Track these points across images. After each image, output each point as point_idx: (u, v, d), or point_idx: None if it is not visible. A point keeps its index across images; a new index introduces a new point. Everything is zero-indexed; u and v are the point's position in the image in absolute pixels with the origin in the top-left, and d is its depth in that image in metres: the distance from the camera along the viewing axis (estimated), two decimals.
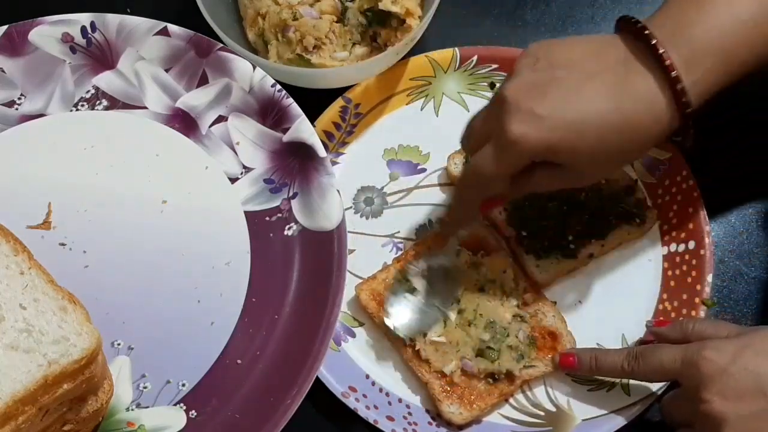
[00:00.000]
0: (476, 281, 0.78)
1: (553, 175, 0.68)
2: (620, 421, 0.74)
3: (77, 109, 0.83)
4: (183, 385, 0.74)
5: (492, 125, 0.67)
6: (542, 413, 0.76)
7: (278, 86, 0.82)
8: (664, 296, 0.79)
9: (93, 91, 0.84)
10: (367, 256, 0.81)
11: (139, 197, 0.80)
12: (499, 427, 0.75)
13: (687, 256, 0.80)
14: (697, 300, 0.78)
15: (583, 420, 0.75)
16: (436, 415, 0.75)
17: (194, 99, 0.83)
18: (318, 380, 0.74)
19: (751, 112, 0.87)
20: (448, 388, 0.75)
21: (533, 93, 0.65)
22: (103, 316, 0.73)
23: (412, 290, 0.77)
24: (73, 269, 0.76)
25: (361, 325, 0.80)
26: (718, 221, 0.83)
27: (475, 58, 0.87)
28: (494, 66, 0.87)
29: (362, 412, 0.74)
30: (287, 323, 0.75)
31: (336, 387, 0.75)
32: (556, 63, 0.67)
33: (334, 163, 0.84)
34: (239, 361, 0.74)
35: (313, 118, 0.83)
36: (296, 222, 0.79)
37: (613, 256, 0.81)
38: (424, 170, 0.85)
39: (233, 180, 0.81)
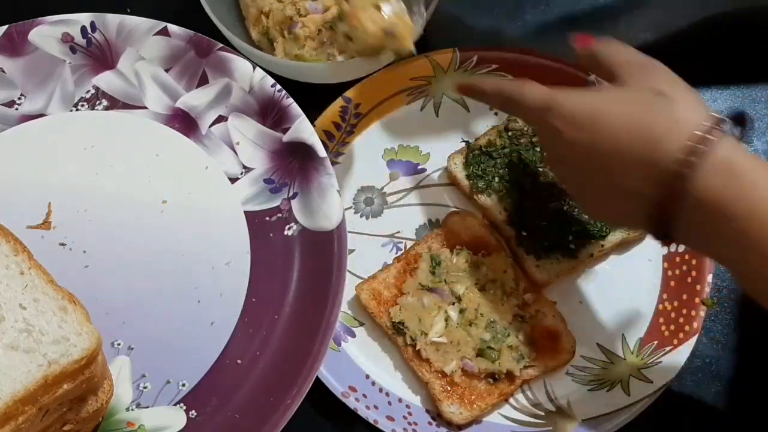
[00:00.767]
0: (477, 281, 0.78)
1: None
2: (620, 421, 0.74)
3: (77, 109, 0.83)
4: (183, 385, 0.74)
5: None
6: (542, 413, 0.76)
7: (278, 86, 0.82)
8: (664, 296, 0.79)
9: (93, 91, 0.84)
10: (367, 256, 0.81)
11: (139, 197, 0.80)
12: (499, 427, 0.75)
13: (687, 256, 0.80)
14: (697, 300, 0.78)
15: (583, 420, 0.75)
16: (437, 415, 0.75)
17: (194, 99, 0.83)
18: (318, 380, 0.74)
19: (751, 112, 0.87)
20: (449, 388, 0.75)
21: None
22: (103, 316, 0.73)
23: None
24: (73, 269, 0.76)
25: (361, 325, 0.80)
26: None
27: (474, 58, 0.87)
28: (494, 66, 0.87)
29: (362, 412, 0.74)
30: (287, 323, 0.75)
31: (336, 387, 0.75)
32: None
33: (334, 163, 0.84)
34: (239, 361, 0.74)
35: (313, 118, 0.83)
36: (296, 222, 0.79)
37: (613, 256, 0.81)
38: (424, 170, 0.85)
39: (233, 180, 0.81)
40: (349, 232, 0.78)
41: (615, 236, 0.80)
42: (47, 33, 0.84)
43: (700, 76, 0.90)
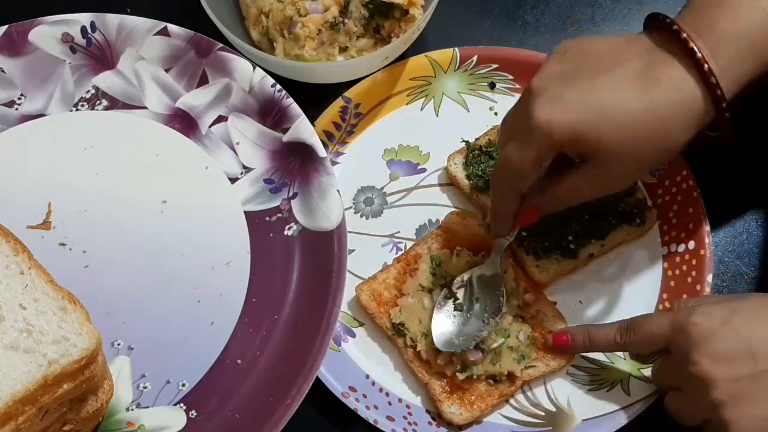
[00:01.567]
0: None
1: (584, 177, 0.67)
2: (620, 421, 0.74)
3: (77, 109, 0.83)
4: (183, 385, 0.74)
5: (519, 115, 0.68)
6: (542, 413, 0.76)
7: (278, 86, 0.82)
8: (664, 296, 0.79)
9: (93, 91, 0.84)
10: (368, 256, 0.81)
11: (139, 197, 0.80)
12: (500, 427, 0.75)
13: (687, 256, 0.80)
14: None
15: (583, 420, 0.75)
16: (437, 416, 0.75)
17: (194, 99, 0.83)
18: (318, 380, 0.74)
19: (751, 112, 0.87)
20: (449, 389, 0.75)
21: (559, 80, 0.66)
22: (103, 316, 0.73)
23: (459, 306, 0.76)
24: (73, 269, 0.76)
25: (361, 325, 0.79)
26: (718, 221, 0.83)
27: (475, 58, 0.87)
28: (494, 66, 0.87)
29: (362, 413, 0.74)
30: (287, 323, 0.75)
31: (336, 387, 0.75)
32: (582, 54, 0.67)
33: (334, 163, 0.84)
34: (239, 361, 0.74)
35: (313, 118, 0.83)
36: (296, 222, 0.79)
37: (613, 256, 0.81)
38: (424, 170, 0.85)
39: (233, 180, 0.81)
40: (349, 232, 0.78)
41: (615, 236, 0.80)
42: (47, 33, 0.84)
43: None
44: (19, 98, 0.83)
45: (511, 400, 0.76)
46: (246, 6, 0.87)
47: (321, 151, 0.80)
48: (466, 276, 0.77)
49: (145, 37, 0.84)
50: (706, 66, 0.64)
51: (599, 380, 0.77)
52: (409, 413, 0.76)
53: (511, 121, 0.71)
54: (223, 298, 0.76)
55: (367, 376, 0.77)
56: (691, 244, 0.80)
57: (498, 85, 0.87)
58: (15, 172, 0.80)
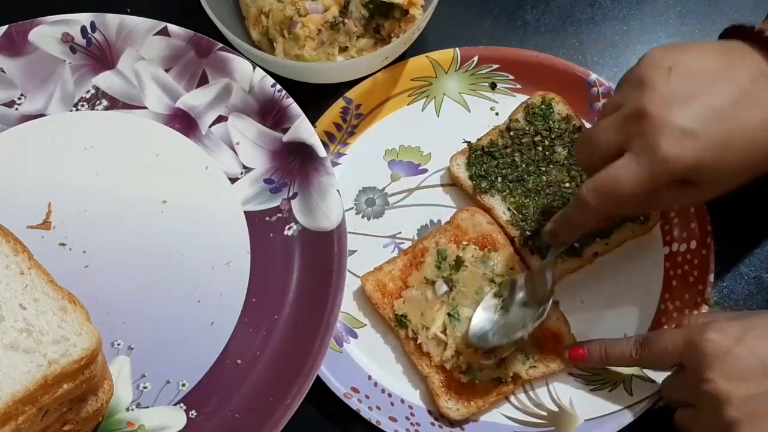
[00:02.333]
0: (484, 274, 0.77)
1: (686, 195, 0.66)
2: (623, 421, 0.74)
3: (77, 109, 0.83)
4: (183, 385, 0.73)
5: (631, 140, 0.65)
6: (545, 413, 0.76)
7: (278, 86, 0.82)
8: (666, 296, 0.79)
9: (93, 91, 0.84)
10: (369, 256, 0.81)
11: (139, 197, 0.79)
12: (502, 427, 0.75)
13: (689, 256, 0.80)
14: (698, 299, 0.78)
15: (586, 420, 0.75)
16: (439, 416, 0.75)
17: (194, 99, 0.83)
18: (320, 381, 0.74)
19: None
20: (447, 383, 0.75)
21: (677, 107, 0.63)
22: (103, 316, 0.73)
23: (505, 305, 0.76)
24: (73, 269, 0.76)
25: (363, 326, 0.79)
26: (718, 221, 0.83)
27: (475, 58, 0.87)
28: (495, 66, 0.87)
29: (365, 413, 0.74)
30: (287, 323, 0.75)
31: (338, 388, 0.75)
32: (690, 74, 0.65)
33: (335, 163, 0.84)
34: (239, 361, 0.74)
35: (313, 118, 0.83)
36: (296, 222, 0.79)
37: (615, 256, 0.81)
38: (425, 171, 0.85)
39: (233, 180, 0.81)
40: (350, 232, 0.78)
41: (619, 234, 0.80)
42: (47, 33, 0.84)
43: None
44: (19, 98, 0.83)
45: (514, 400, 0.76)
46: (246, 6, 0.87)
47: (321, 151, 0.80)
48: (520, 280, 0.77)
49: (145, 37, 0.84)
50: None
51: (601, 380, 0.77)
52: (412, 414, 0.75)
53: (612, 140, 0.66)
54: (223, 298, 0.76)
55: (370, 377, 0.77)
56: (693, 244, 0.80)
57: (499, 86, 0.87)
58: (15, 172, 0.80)
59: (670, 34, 0.91)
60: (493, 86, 0.87)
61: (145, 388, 0.73)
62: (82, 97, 0.84)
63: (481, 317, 0.75)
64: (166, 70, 0.84)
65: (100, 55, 0.84)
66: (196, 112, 0.83)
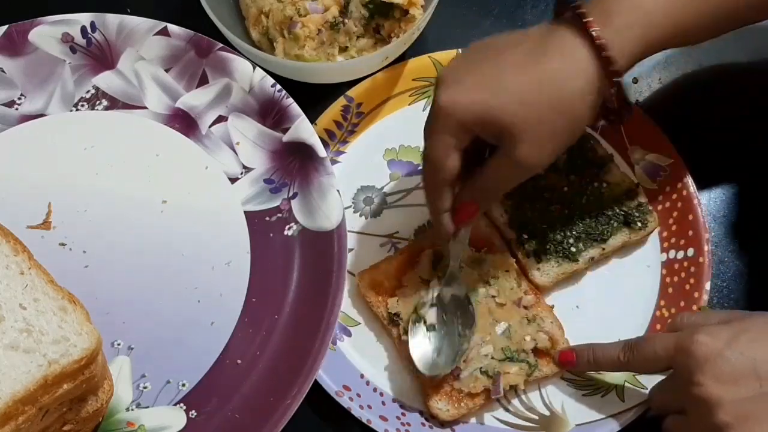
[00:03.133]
0: (479, 277, 0.78)
1: (502, 161, 0.67)
2: (614, 427, 0.74)
3: (77, 109, 0.83)
4: (183, 385, 0.74)
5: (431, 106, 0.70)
6: (536, 417, 0.75)
7: (278, 86, 0.82)
8: (662, 303, 0.79)
9: (93, 91, 0.84)
10: (366, 255, 0.81)
11: (139, 197, 0.80)
12: (494, 430, 0.75)
13: (686, 264, 0.79)
14: (694, 307, 0.77)
15: (577, 425, 0.75)
16: (430, 416, 0.75)
17: (194, 99, 0.83)
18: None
19: (752, 113, 0.87)
20: (438, 383, 0.74)
21: (462, 68, 0.68)
22: (103, 316, 0.73)
23: (431, 327, 0.76)
24: (73, 269, 0.76)
25: (357, 324, 0.79)
26: (718, 221, 0.83)
27: None
28: None
29: (356, 412, 0.74)
30: (287, 323, 0.75)
31: (330, 386, 0.75)
32: (486, 45, 0.69)
33: (334, 162, 0.84)
34: (239, 361, 0.74)
35: (313, 118, 0.83)
36: (296, 222, 0.79)
37: (611, 262, 0.81)
38: None
39: (233, 180, 0.81)
40: (348, 231, 0.78)
41: (616, 240, 0.80)
42: (47, 33, 0.84)
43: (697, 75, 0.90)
44: (19, 98, 0.83)
45: (505, 404, 0.76)
46: (246, 6, 0.87)
47: (321, 151, 0.80)
48: (428, 297, 0.76)
49: (145, 37, 0.84)
50: (593, 31, 0.64)
51: (594, 385, 0.76)
52: (403, 413, 0.75)
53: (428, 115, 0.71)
54: (223, 298, 0.76)
55: (362, 376, 0.77)
56: (690, 252, 0.80)
57: None
58: (15, 172, 0.80)
59: None
60: None
61: (145, 388, 0.74)
62: (82, 97, 0.84)
63: (418, 350, 0.75)
64: (166, 70, 0.84)
65: (100, 55, 0.84)
66: (196, 112, 0.83)
